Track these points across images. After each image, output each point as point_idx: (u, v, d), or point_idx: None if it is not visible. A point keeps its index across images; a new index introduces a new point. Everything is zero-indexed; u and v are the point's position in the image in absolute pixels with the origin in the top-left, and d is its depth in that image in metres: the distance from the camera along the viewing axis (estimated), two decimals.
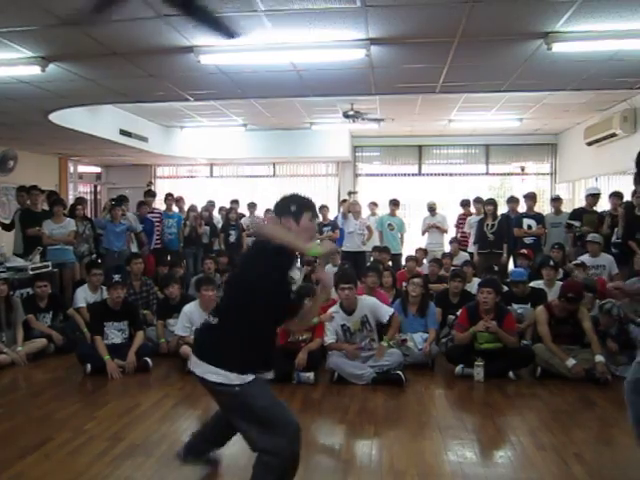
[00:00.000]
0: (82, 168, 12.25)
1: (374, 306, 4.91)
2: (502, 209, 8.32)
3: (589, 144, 9.02)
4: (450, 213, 9.54)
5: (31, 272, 6.34)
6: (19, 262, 6.60)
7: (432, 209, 9.06)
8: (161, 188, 12.28)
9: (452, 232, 9.11)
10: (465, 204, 9.04)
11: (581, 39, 4.42)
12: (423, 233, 9.07)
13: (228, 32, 3.65)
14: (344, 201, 9.53)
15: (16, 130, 7.88)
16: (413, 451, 3.39)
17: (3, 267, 6.37)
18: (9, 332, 5.55)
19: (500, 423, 3.89)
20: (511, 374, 4.81)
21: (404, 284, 5.99)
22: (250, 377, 2.34)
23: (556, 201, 8.05)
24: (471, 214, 8.79)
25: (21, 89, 5.57)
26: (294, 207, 2.43)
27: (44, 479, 3.05)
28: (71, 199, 10.32)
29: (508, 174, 11.99)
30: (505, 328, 4.85)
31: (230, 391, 2.32)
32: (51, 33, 4.13)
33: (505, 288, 5.98)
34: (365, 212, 9.43)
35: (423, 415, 4.02)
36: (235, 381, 2.30)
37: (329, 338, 4.85)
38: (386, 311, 4.90)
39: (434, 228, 8.95)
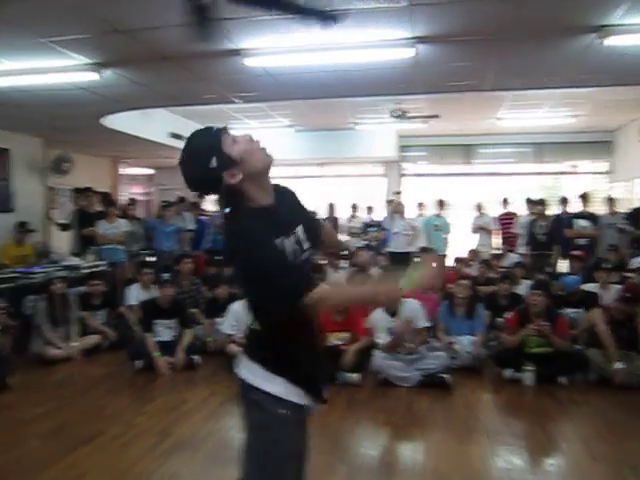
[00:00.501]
0: (134, 170, 12.61)
1: (416, 311, 4.89)
2: (555, 209, 8.08)
3: None
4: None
5: (86, 270, 6.58)
6: (75, 261, 6.86)
7: (481, 209, 8.89)
8: None
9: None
10: (505, 202, 8.82)
11: (636, 32, 4.24)
12: (474, 232, 8.92)
13: (328, 17, 3.57)
14: (391, 201, 9.48)
15: (71, 134, 8.19)
16: (459, 455, 3.34)
17: (60, 266, 6.63)
18: (65, 328, 5.78)
19: (550, 430, 3.78)
20: (563, 379, 4.66)
21: (450, 285, 5.90)
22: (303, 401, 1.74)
23: (610, 201, 7.77)
24: (511, 212, 8.61)
25: (78, 95, 5.78)
26: (215, 161, 1.57)
27: (96, 470, 3.16)
28: (123, 200, 10.63)
29: (560, 173, 11.62)
30: (557, 332, 4.70)
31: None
32: (106, 40, 4.27)
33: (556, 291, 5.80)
34: (413, 212, 9.34)
35: (470, 419, 3.95)
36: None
37: (382, 338, 4.82)
38: (421, 322, 4.92)
39: (481, 229, 8.78)
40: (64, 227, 8.22)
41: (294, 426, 1.74)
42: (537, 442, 3.58)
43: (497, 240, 8.76)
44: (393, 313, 4.83)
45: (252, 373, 1.73)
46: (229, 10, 3.46)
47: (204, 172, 1.58)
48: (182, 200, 8.66)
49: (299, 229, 1.73)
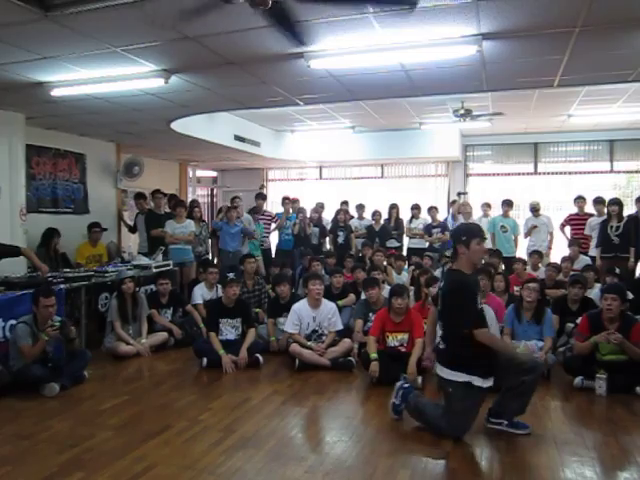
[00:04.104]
0: (200, 172, 12.97)
1: (491, 319, 4.70)
2: (629, 210, 7.68)
3: None
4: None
5: (154, 270, 6.82)
6: (144, 261, 7.13)
7: (535, 209, 8.56)
8: (273, 191, 12.74)
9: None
10: (579, 200, 8.43)
11: None
12: (525, 236, 8.59)
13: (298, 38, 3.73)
14: (454, 202, 9.30)
15: (142, 138, 8.52)
16: (526, 465, 3.23)
17: (130, 265, 6.91)
18: (135, 325, 6.02)
19: (625, 442, 3.59)
20: (638, 390, 4.42)
21: (516, 288, 5.73)
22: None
23: None
24: (584, 212, 8.26)
25: (147, 100, 6.01)
26: (464, 236, 3.30)
27: (163, 463, 3.26)
28: (189, 202, 10.94)
29: (636, 172, 11.04)
30: (632, 340, 4.47)
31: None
32: (173, 47, 4.41)
33: (630, 295, 5.50)
34: (478, 213, 9.13)
35: (537, 428, 3.81)
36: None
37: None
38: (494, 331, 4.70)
39: (534, 228, 8.43)
40: (131, 229, 8.57)
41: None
42: (610, 454, 3.42)
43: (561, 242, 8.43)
44: None
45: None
46: (294, 13, 3.52)
47: (459, 234, 3.45)
48: (235, 199, 8.86)
49: None
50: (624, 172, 11.05)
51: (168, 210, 8.20)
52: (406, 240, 9.20)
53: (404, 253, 8.75)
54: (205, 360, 5.35)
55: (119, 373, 5.37)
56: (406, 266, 7.90)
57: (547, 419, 4.04)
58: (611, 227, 7.20)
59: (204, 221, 8.64)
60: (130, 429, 3.82)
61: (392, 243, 8.94)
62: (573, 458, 3.32)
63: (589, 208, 8.25)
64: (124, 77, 5.12)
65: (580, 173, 11.04)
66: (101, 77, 5.15)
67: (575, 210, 8.45)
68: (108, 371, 5.36)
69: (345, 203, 9.75)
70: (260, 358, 5.39)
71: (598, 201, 7.80)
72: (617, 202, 7.36)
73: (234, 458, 3.32)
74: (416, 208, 9.19)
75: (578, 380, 4.62)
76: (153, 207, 8.06)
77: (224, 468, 3.19)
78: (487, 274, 5.71)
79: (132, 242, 8.35)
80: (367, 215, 9.49)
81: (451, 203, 9.62)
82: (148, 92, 5.70)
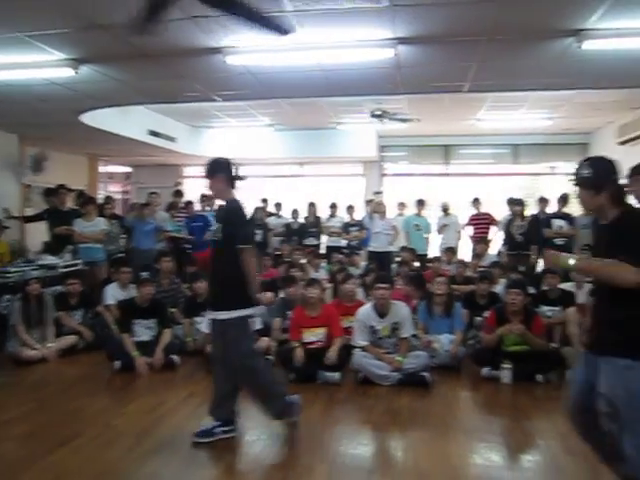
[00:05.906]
0: (112, 168, 12.46)
1: (405, 317, 4.88)
2: (532, 210, 8.21)
3: (621, 143, 8.81)
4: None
5: (62, 270, 6.47)
6: (51, 260, 6.74)
7: (445, 209, 9.02)
8: (189, 188, 12.44)
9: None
10: (475, 202, 8.97)
11: (614, 36, 4.32)
12: (439, 233, 9.03)
13: (280, 29, 3.62)
14: (370, 201, 9.52)
15: (49, 131, 8.07)
16: (438, 453, 3.36)
17: (36, 265, 6.51)
18: (40, 329, 5.68)
19: (528, 427, 3.84)
20: (539, 377, 4.73)
21: (428, 284, 5.95)
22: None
23: None
24: (483, 213, 8.85)
25: (53, 91, 5.70)
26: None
27: (74, 472, 3.11)
28: (101, 198, 10.50)
29: (537, 174, 11.80)
30: (533, 331, 4.78)
31: None
32: (84, 36, 4.22)
33: (531, 290, 5.88)
34: (393, 212, 9.39)
35: (449, 417, 3.99)
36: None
37: (361, 340, 4.82)
38: (408, 330, 4.88)
39: (444, 227, 8.93)
40: (29, 219, 8.09)
41: None
42: (514, 439, 3.63)
43: (467, 240, 8.93)
44: (382, 314, 4.85)
45: None
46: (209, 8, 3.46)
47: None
48: (153, 194, 8.64)
49: None
50: (527, 174, 11.77)
51: (76, 207, 7.80)
52: (324, 238, 9.31)
53: (322, 251, 8.85)
54: (118, 363, 5.15)
55: (24, 379, 5.04)
56: (323, 263, 7.99)
57: (457, 408, 4.24)
58: (515, 226, 7.64)
59: (117, 217, 8.30)
60: (36, 439, 3.60)
61: (310, 241, 9.01)
62: (481, 444, 3.50)
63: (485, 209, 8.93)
64: (29, 65, 4.83)
65: (487, 175, 11.65)
66: (3, 64, 4.82)
67: (475, 211, 8.98)
68: (11, 378, 5.02)
69: (264, 201, 9.72)
70: (176, 359, 5.27)
71: (508, 201, 8.26)
72: (520, 202, 7.82)
73: (150, 463, 3.22)
74: (334, 207, 9.33)
75: (485, 370, 4.87)
76: (57, 203, 7.64)
77: (139, 474, 3.09)
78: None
79: (38, 239, 7.87)
80: (285, 213, 9.51)
81: (368, 202, 9.84)
82: (54, 82, 5.40)
